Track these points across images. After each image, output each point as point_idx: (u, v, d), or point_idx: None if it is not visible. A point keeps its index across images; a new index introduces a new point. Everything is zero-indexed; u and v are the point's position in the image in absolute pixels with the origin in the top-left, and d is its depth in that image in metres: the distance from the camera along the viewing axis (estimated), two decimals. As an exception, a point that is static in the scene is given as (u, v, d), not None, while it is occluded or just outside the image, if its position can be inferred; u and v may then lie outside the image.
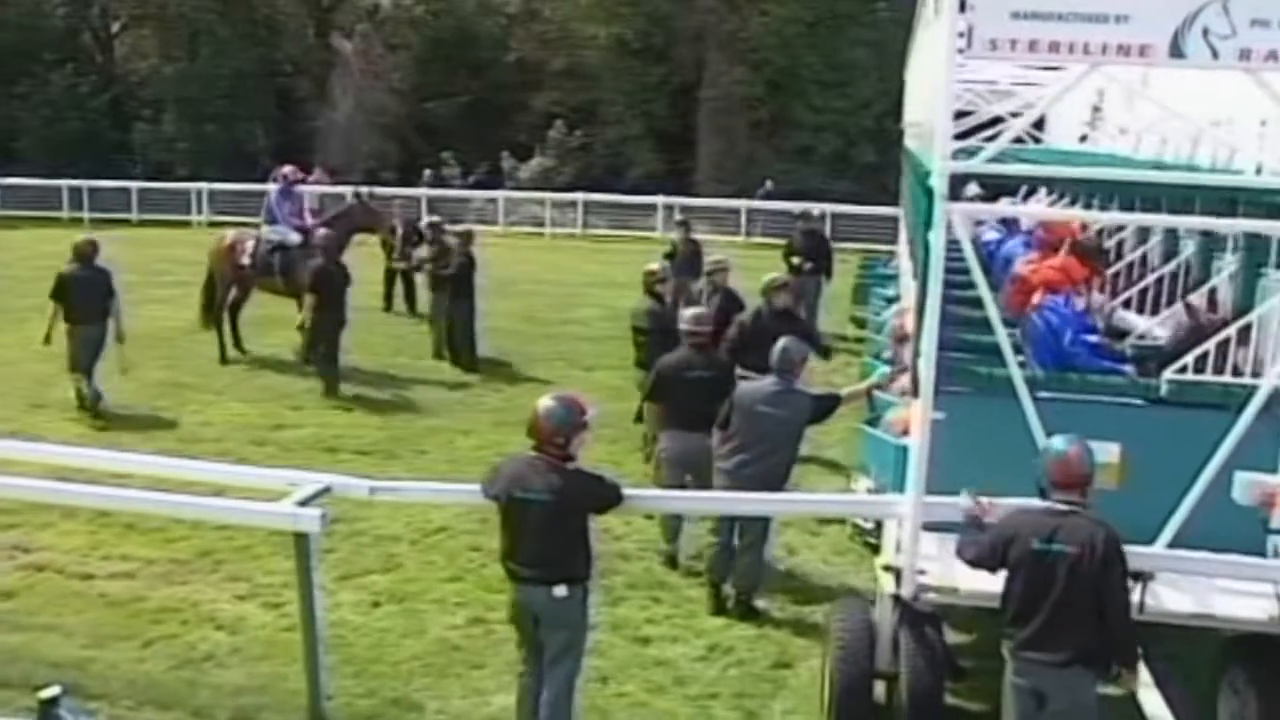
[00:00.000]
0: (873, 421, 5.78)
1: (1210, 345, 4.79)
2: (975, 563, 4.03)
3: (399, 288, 13.84)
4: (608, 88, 27.25)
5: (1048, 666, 3.75)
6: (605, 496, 4.28)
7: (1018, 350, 5.29)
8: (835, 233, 20.59)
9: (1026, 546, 3.82)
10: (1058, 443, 3.86)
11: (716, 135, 27.04)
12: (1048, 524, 3.81)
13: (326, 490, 4.42)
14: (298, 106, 28.63)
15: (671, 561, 6.48)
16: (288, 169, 12.17)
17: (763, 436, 5.59)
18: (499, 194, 23.94)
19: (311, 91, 28.46)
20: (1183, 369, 4.82)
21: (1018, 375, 4.43)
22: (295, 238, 11.30)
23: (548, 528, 4.16)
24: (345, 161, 26.30)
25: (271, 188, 11.94)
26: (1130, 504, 3.86)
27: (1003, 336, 4.52)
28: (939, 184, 4.17)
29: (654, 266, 8.04)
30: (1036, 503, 3.93)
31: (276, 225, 11.44)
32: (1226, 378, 4.79)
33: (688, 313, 6.54)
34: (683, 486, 6.11)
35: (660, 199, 22.75)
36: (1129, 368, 5.19)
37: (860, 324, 10.84)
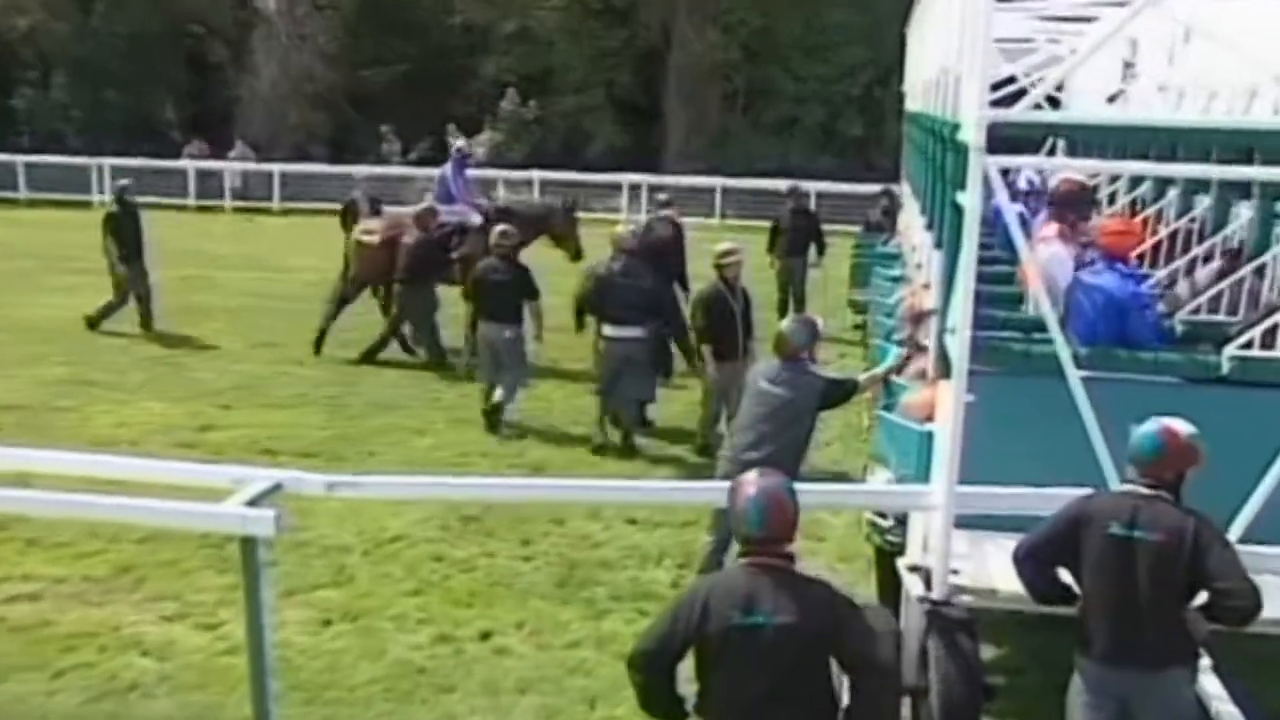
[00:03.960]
0: (889, 408, 5.75)
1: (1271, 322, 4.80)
2: (1033, 556, 3.85)
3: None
4: (565, 53, 27.18)
5: (1135, 674, 3.64)
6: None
7: (1037, 328, 5.29)
8: (819, 213, 20.75)
9: (1102, 531, 3.70)
10: (1148, 424, 3.80)
11: (687, 106, 27.07)
12: (1126, 507, 3.70)
13: (277, 488, 4.26)
14: (213, 73, 28.05)
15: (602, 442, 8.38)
16: (461, 142, 12.37)
17: (766, 417, 5.65)
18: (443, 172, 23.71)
19: (229, 56, 27.94)
20: (1247, 344, 4.83)
21: (1065, 353, 4.39)
22: (477, 218, 11.09)
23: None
24: (269, 135, 25.94)
25: (445, 167, 11.88)
26: (1190, 495, 3.81)
27: (1047, 309, 4.48)
28: (974, 135, 4.12)
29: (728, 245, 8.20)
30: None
31: (454, 205, 11.22)
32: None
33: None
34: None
35: (625, 177, 22.69)
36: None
37: (859, 308, 10.85)
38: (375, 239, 10.99)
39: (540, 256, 10.72)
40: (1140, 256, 7.21)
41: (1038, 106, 4.65)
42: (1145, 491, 3.75)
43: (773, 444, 5.56)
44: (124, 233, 11.68)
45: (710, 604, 3.23)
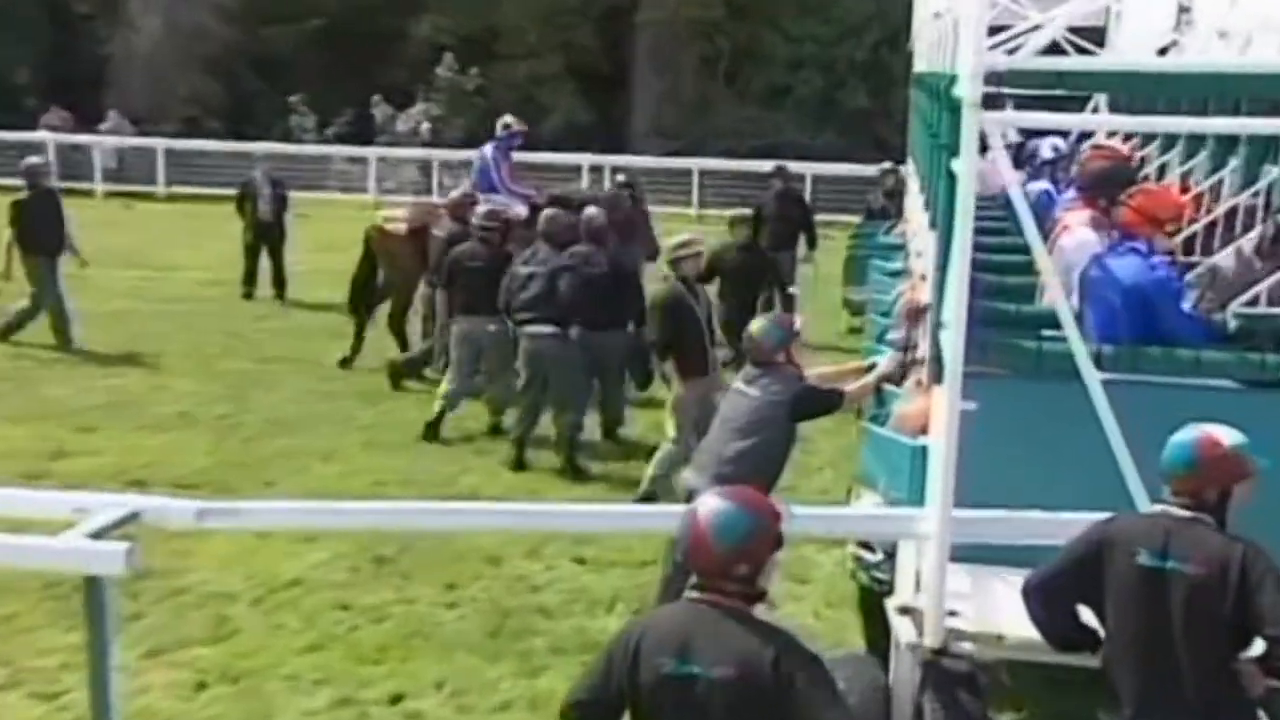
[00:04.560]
0: (878, 419, 5.78)
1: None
2: (1045, 588, 3.85)
3: (264, 264, 14.10)
4: (513, 10, 27.28)
5: None
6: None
7: (1051, 324, 5.34)
8: (817, 200, 20.86)
9: (1129, 561, 3.68)
10: (1184, 431, 3.81)
11: (659, 74, 27.25)
12: (1158, 531, 3.70)
13: (133, 517, 4.21)
14: (80, 27, 27.55)
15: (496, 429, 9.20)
16: (509, 118, 11.95)
17: (735, 429, 5.79)
18: (368, 152, 23.72)
19: (99, 7, 27.57)
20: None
21: (1081, 351, 4.42)
22: (522, 210, 10.97)
23: None
24: (151, 104, 25.66)
25: (486, 148, 11.78)
26: (1243, 521, 3.82)
27: (1059, 298, 4.52)
28: (968, 87, 4.15)
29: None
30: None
31: (496, 194, 11.12)
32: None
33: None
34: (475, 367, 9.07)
35: (585, 158, 22.70)
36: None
37: (855, 309, 10.91)
38: (400, 227, 10.88)
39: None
40: (1190, 239, 7.31)
41: (1055, 51, 4.68)
42: (1181, 513, 3.73)
43: (740, 460, 5.64)
44: (39, 225, 11.35)
45: (642, 647, 3.21)
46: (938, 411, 4.46)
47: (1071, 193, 6.71)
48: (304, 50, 26.82)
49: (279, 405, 10.15)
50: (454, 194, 11.09)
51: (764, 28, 27.04)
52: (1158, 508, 3.84)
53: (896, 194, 13.40)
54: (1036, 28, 6.42)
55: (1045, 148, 8.44)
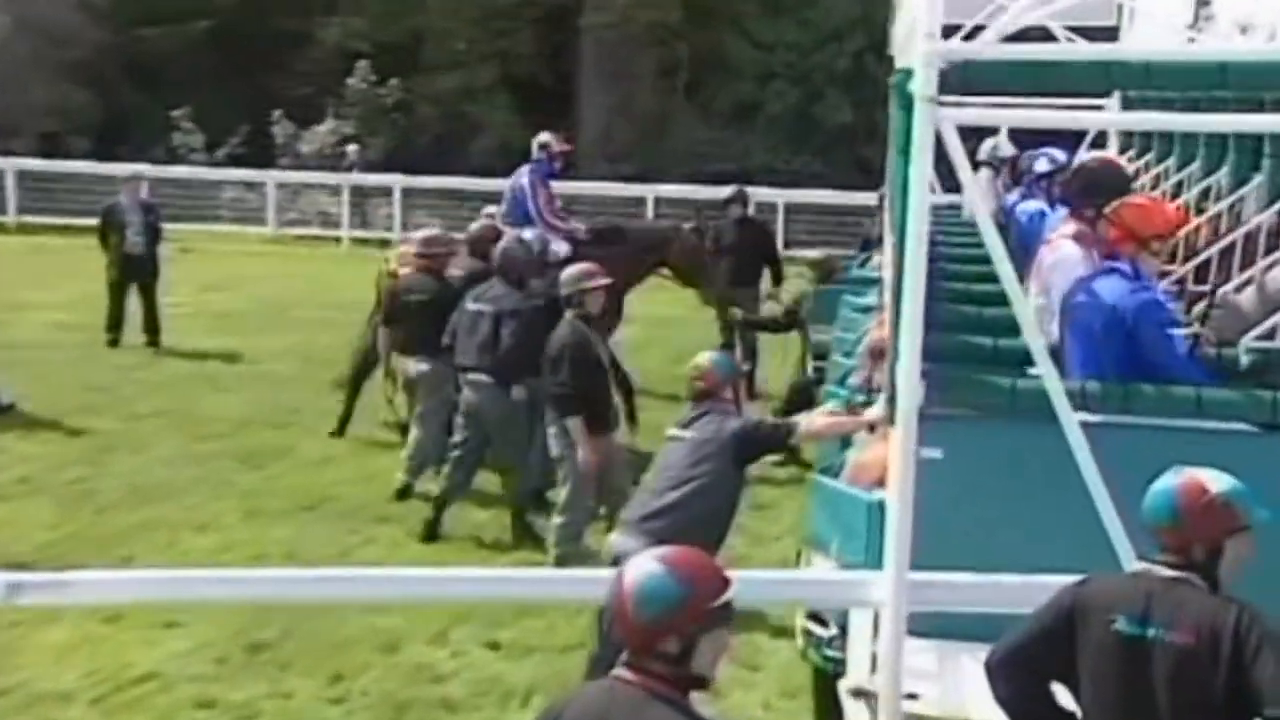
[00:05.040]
0: (830, 470, 5.83)
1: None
2: (1010, 663, 3.86)
3: (134, 306, 14.07)
4: (439, 12, 27.53)
5: None
6: None
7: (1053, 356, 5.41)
8: (792, 232, 21.04)
9: (1106, 629, 3.72)
10: (1166, 476, 3.84)
11: (608, 86, 27.54)
12: (1138, 595, 3.73)
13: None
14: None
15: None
16: (546, 136, 11.89)
17: (672, 478, 5.91)
18: (267, 177, 23.77)
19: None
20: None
21: (1055, 387, 4.47)
22: (562, 247, 10.96)
23: None
24: (3, 118, 25.43)
25: (521, 173, 11.72)
26: (1248, 578, 3.85)
27: (1030, 329, 4.57)
28: (921, 78, 4.23)
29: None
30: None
31: (528, 228, 10.98)
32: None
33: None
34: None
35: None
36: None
37: (820, 352, 11.01)
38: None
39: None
40: (1204, 265, 7.44)
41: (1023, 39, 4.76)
42: (1165, 573, 3.74)
43: (675, 513, 5.71)
44: None
45: None
46: (893, 459, 4.48)
47: (1063, 210, 6.82)
48: (190, 56, 26.84)
49: (145, 469, 10.09)
50: (474, 225, 10.96)
51: (729, 33, 27.41)
52: (1139, 566, 3.86)
53: None
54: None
55: (1041, 160, 8.59)
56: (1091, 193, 6.14)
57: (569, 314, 8.05)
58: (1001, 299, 6.60)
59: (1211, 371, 5.22)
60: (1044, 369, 4.49)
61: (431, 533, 8.73)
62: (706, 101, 27.69)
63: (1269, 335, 5.49)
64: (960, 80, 4.61)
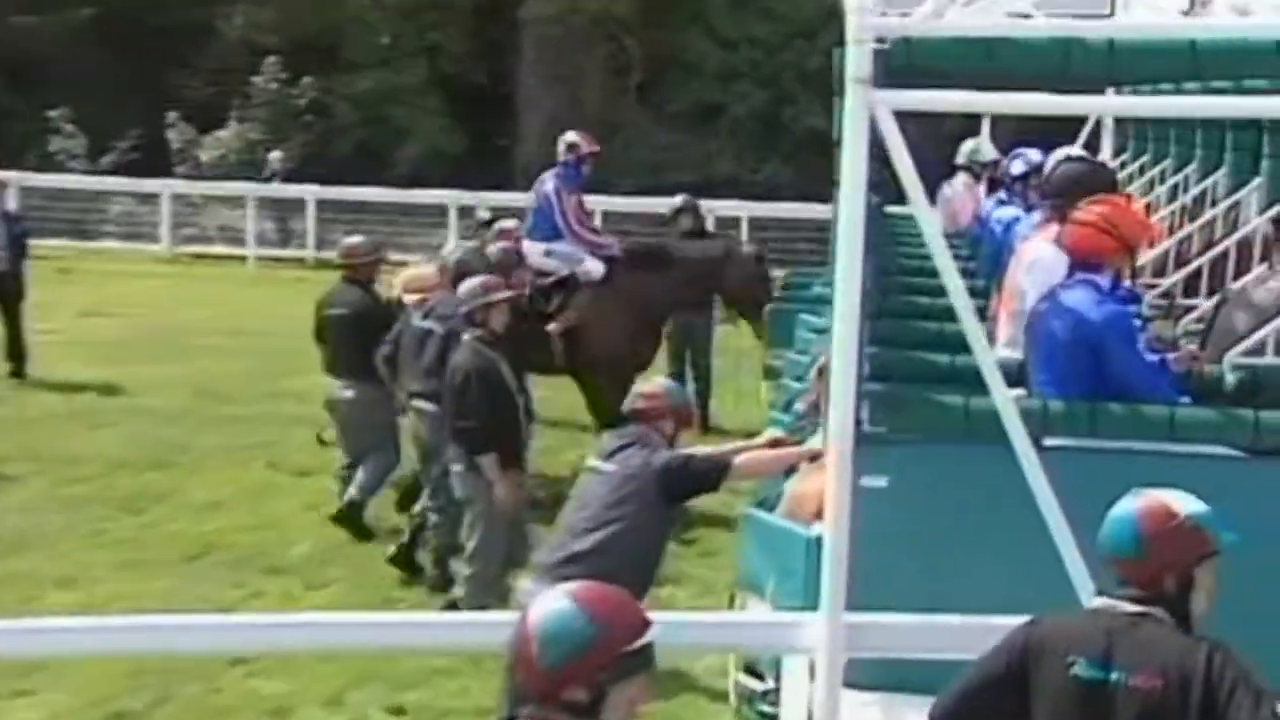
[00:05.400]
0: (766, 503, 5.86)
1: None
2: (955, 714, 3.87)
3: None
4: (359, 2, 27.56)
5: None
6: None
7: (1015, 379, 5.47)
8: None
9: (1063, 673, 3.75)
10: (1125, 501, 3.87)
11: (551, 87, 27.57)
12: (1097, 634, 3.77)
13: None
14: None
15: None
16: (573, 135, 11.66)
17: (594, 514, 5.92)
18: (162, 187, 23.68)
19: None
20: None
21: (1008, 409, 4.51)
22: (595, 267, 10.87)
23: None
24: None
25: (545, 179, 11.49)
26: (1229, 615, 3.88)
27: (977, 341, 4.61)
28: (854, 58, 4.28)
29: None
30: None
31: (556, 244, 10.97)
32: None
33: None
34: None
35: (455, 196, 22.80)
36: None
37: (776, 376, 11.06)
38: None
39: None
40: (1194, 277, 7.54)
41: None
42: (1128, 609, 3.77)
43: (594, 557, 5.69)
44: None
45: None
46: (829, 487, 4.51)
47: (1038, 215, 6.90)
48: (70, 49, 26.51)
49: (3, 517, 10.00)
50: (493, 245, 10.52)
51: (688, 28, 27.55)
52: (1099, 603, 3.88)
53: None
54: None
55: (1017, 162, 8.70)
56: (1071, 191, 6.23)
57: (469, 335, 8.04)
58: (948, 313, 6.75)
59: (1190, 390, 5.28)
60: (995, 387, 4.53)
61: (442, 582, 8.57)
62: (662, 104, 27.77)
63: (1257, 351, 5.58)
64: (904, 62, 4.68)
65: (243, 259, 22.76)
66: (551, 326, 10.69)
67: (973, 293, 7.50)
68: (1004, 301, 6.48)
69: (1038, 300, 5.58)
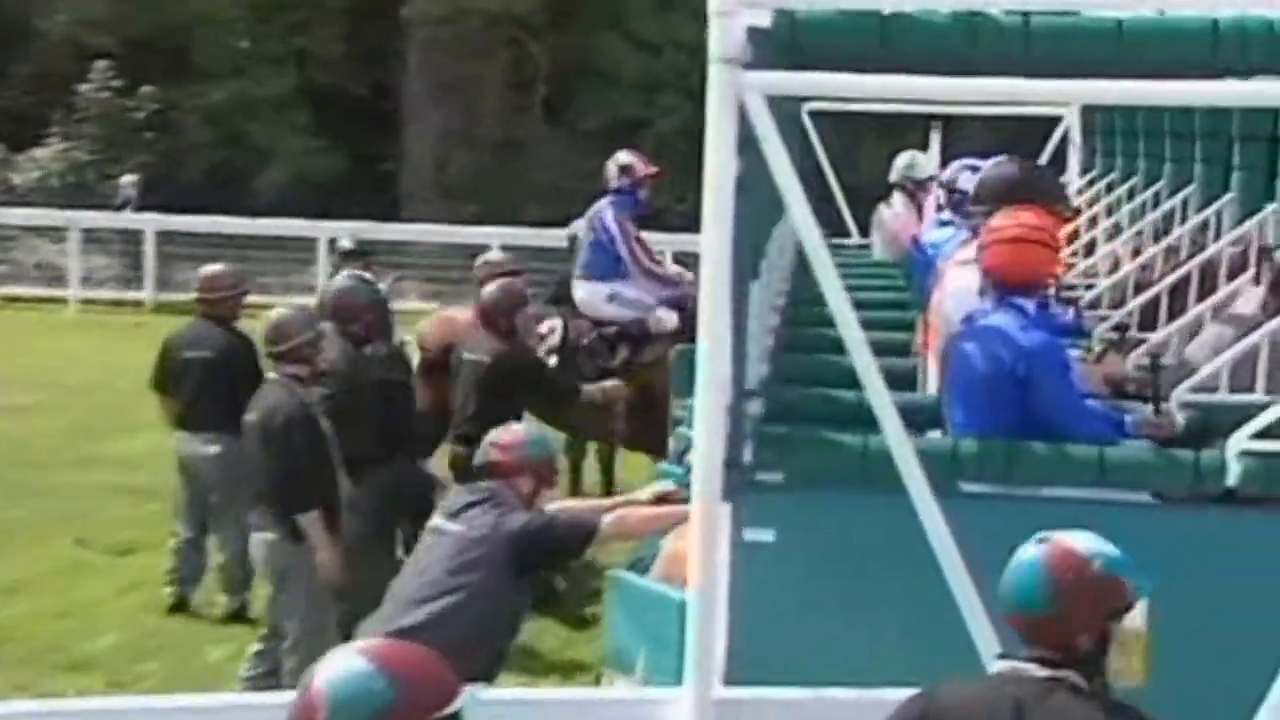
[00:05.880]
0: (639, 565, 5.94)
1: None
2: None
3: None
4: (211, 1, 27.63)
5: None
6: None
7: (929, 421, 5.57)
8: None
9: None
10: (1027, 548, 3.92)
11: (441, 101, 27.69)
12: (1004, 704, 3.80)
13: None
14: None
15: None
16: (627, 156, 11.51)
17: (424, 574, 5.96)
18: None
19: None
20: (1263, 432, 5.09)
21: (903, 452, 4.56)
22: (670, 318, 10.68)
23: None
24: None
25: (601, 207, 11.24)
26: (1173, 681, 3.94)
27: (868, 371, 4.67)
28: (716, 35, 4.34)
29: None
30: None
31: (620, 285, 10.85)
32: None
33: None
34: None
35: (327, 227, 22.72)
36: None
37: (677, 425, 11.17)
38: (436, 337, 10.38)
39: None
40: (1152, 304, 7.66)
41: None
42: (1037, 673, 3.81)
43: (435, 629, 5.63)
44: None
45: None
46: (692, 545, 4.53)
47: (966, 231, 7.00)
48: None
49: None
50: (494, 287, 9.69)
51: (603, 30, 27.76)
52: (1004, 666, 3.92)
53: None
54: None
55: (964, 174, 8.85)
56: (1005, 198, 6.31)
57: (277, 373, 8.04)
58: (880, 348, 6.82)
59: (1129, 428, 5.36)
60: (886, 425, 4.58)
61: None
62: (574, 119, 27.94)
63: (1212, 387, 5.68)
64: (788, 41, 4.76)
65: (62, 301, 22.61)
66: (610, 385, 10.33)
67: (907, 326, 7.68)
68: (930, 335, 6.55)
69: (956, 327, 5.66)
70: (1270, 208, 7.35)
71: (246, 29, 27.73)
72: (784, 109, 10.60)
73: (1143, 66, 4.66)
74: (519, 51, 28.12)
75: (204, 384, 9.51)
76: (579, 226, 11.67)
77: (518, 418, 9.10)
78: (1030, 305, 5.42)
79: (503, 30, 27.76)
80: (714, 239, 4.49)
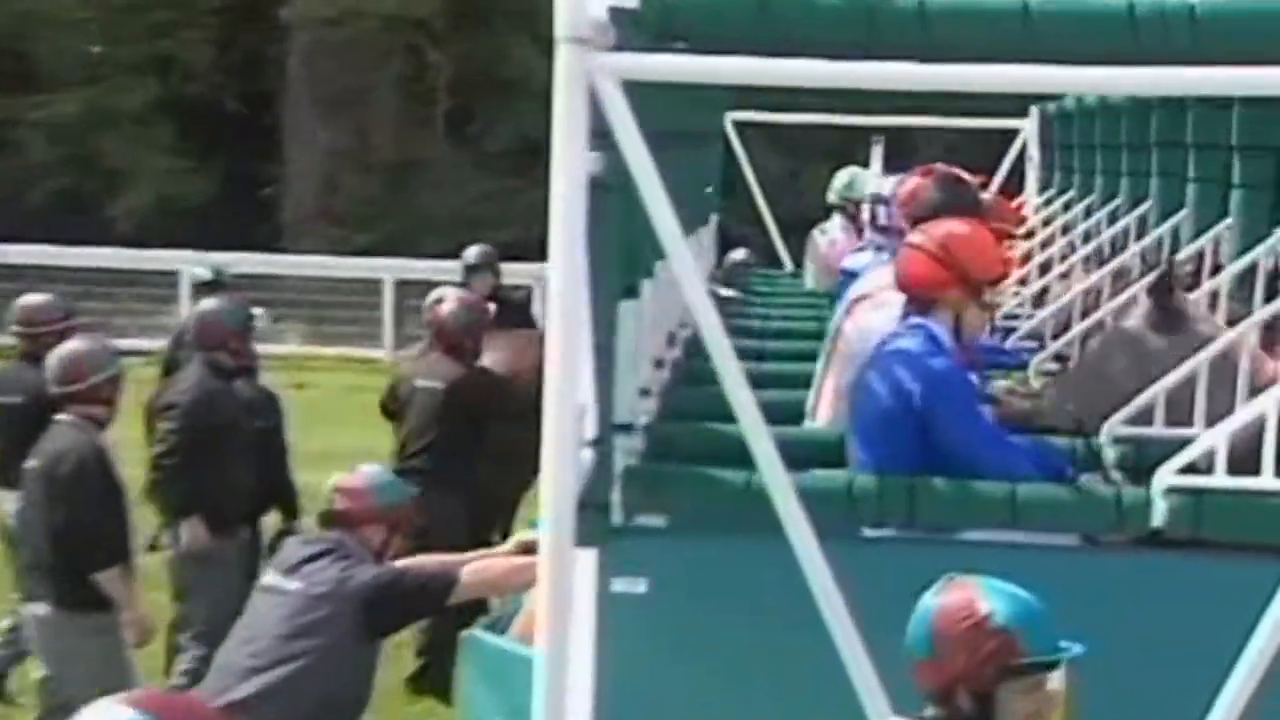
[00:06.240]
0: (497, 625, 5.96)
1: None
2: None
3: None
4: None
5: None
6: None
7: (829, 461, 5.60)
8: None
9: None
10: (932, 592, 3.99)
11: (328, 117, 27.69)
12: None
13: None
14: None
15: None
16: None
17: (256, 641, 5.97)
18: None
19: None
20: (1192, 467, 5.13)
21: (781, 497, 4.60)
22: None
23: None
24: None
25: None
26: None
27: (744, 404, 4.71)
28: (567, 13, 4.37)
29: None
30: None
31: None
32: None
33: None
34: None
35: (194, 259, 22.58)
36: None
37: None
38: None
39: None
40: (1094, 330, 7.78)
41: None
42: None
43: (270, 702, 5.72)
44: None
45: None
46: (541, 597, 4.53)
47: (884, 254, 7.09)
48: None
49: None
50: (455, 304, 10.61)
51: (512, 33, 27.70)
52: None
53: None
54: None
55: (881, 214, 9.00)
56: (923, 218, 6.38)
57: (68, 414, 8.01)
58: (780, 380, 6.89)
59: (1053, 464, 5.44)
60: (762, 461, 4.61)
61: None
62: (480, 136, 27.97)
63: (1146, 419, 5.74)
64: (657, 22, 4.80)
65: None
66: None
67: (798, 355, 7.78)
68: (832, 369, 6.58)
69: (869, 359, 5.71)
70: (1225, 223, 7.46)
71: (100, 31, 27.72)
72: (703, 119, 10.74)
73: (1053, 52, 4.73)
74: (417, 59, 28.11)
75: (17, 433, 9.33)
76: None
77: (479, 451, 9.26)
78: (939, 328, 5.49)
79: (399, 34, 27.80)
80: (563, 248, 4.48)
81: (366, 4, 27.33)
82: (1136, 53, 4.92)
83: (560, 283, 4.51)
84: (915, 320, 5.55)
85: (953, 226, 5.75)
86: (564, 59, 4.42)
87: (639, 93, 5.42)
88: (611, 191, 4.80)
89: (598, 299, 4.73)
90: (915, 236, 5.68)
